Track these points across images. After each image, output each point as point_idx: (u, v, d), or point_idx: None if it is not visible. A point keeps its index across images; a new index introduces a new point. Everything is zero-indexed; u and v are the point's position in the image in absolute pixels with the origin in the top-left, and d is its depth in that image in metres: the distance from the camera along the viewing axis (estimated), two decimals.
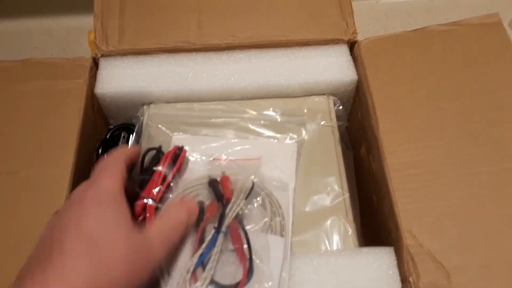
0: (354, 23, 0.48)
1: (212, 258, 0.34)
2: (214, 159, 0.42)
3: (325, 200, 0.41)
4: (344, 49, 0.48)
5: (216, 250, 0.35)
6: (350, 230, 0.39)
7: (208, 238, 0.35)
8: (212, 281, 0.34)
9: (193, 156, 0.42)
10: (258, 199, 0.39)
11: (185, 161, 0.41)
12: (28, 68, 0.46)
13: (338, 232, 0.39)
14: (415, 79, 0.43)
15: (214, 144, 0.44)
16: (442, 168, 0.39)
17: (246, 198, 0.38)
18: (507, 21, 0.66)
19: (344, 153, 0.45)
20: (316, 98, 0.47)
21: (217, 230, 0.35)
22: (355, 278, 0.35)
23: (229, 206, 0.37)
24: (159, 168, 0.38)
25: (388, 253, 0.37)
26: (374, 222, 0.44)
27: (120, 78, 0.46)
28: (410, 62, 0.44)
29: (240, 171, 0.40)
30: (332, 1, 0.49)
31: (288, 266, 0.36)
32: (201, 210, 0.37)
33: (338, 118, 0.46)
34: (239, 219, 0.37)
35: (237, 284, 0.34)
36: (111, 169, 0.33)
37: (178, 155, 0.40)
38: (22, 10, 0.73)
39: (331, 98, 0.47)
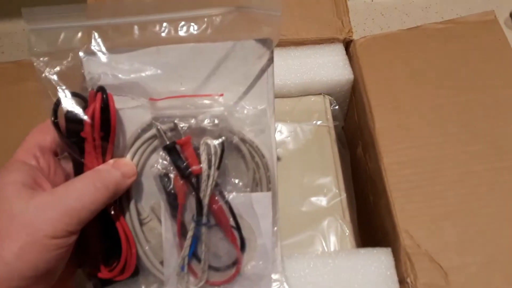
0: (349, 22, 0.48)
1: (203, 250, 0.32)
2: (151, 99, 0.32)
3: (322, 200, 0.40)
4: (339, 48, 0.47)
5: (203, 242, 0.32)
6: (347, 231, 0.39)
7: (190, 232, 0.31)
8: (209, 267, 0.33)
9: (119, 95, 0.31)
10: (233, 147, 0.32)
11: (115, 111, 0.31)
12: (23, 69, 0.46)
13: (335, 233, 0.39)
14: (412, 77, 0.43)
15: (145, 59, 0.32)
16: (439, 167, 0.38)
17: (219, 165, 0.31)
18: (503, 19, 0.66)
19: (341, 153, 0.44)
20: (312, 98, 0.46)
21: (198, 223, 0.31)
22: (353, 279, 0.35)
23: (202, 183, 0.31)
24: (88, 136, 0.29)
25: (386, 254, 0.36)
26: (371, 222, 0.44)
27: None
28: (406, 61, 0.44)
29: (199, 119, 0.31)
30: (326, 0, 0.49)
31: (278, 220, 0.33)
32: (169, 194, 0.31)
33: (334, 117, 0.46)
34: (217, 190, 0.32)
35: (234, 263, 0.33)
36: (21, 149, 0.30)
37: (106, 103, 0.30)
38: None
39: (327, 98, 0.46)
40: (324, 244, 0.38)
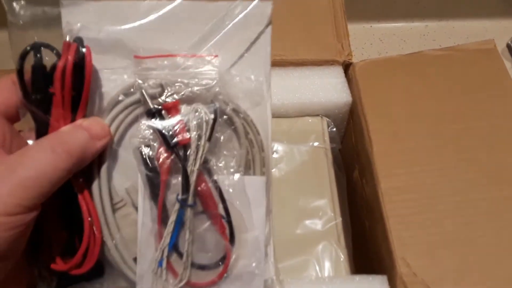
0: (349, 45, 0.48)
1: (186, 240, 0.27)
2: (136, 57, 0.28)
3: (317, 224, 0.39)
4: (339, 71, 0.47)
5: (187, 229, 0.27)
6: (342, 256, 0.38)
7: (172, 216, 0.27)
8: (192, 264, 0.28)
9: (100, 53, 0.27)
10: (225, 119, 0.28)
11: (93, 68, 0.27)
12: None
13: (330, 258, 0.37)
14: (410, 102, 0.43)
15: (134, 12, 0.28)
16: (437, 194, 0.38)
17: (210, 138, 0.27)
18: (500, 50, 0.66)
19: (337, 176, 0.44)
20: (310, 119, 0.46)
21: (183, 203, 0.27)
22: None
23: (190, 156, 0.27)
24: (57, 92, 0.25)
25: (381, 282, 0.35)
26: (366, 248, 0.43)
27: None
28: (405, 86, 0.44)
29: (190, 83, 0.28)
30: (327, 22, 0.49)
31: (270, 206, 0.30)
32: (150, 169, 0.27)
33: (332, 140, 0.45)
34: (206, 168, 0.28)
35: (221, 260, 0.28)
36: None
37: (81, 58, 0.25)
38: None
39: (325, 120, 0.46)
40: (318, 269, 0.37)
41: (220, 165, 0.28)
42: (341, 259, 0.37)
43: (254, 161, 0.29)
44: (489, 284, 0.34)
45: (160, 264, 0.27)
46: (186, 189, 0.26)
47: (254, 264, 0.29)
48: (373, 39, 0.70)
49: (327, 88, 0.46)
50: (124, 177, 0.28)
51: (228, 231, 0.28)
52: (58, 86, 0.25)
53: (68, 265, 0.26)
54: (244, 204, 0.28)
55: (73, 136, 0.25)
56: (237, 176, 0.28)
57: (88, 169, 0.27)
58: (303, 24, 0.49)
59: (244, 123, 0.29)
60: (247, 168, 0.29)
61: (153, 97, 0.27)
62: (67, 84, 0.25)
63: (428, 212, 0.37)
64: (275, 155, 0.43)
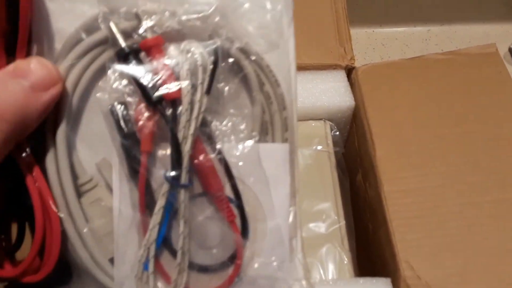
0: (352, 50, 0.48)
1: (181, 234, 0.19)
2: None
3: (321, 227, 0.40)
4: (341, 75, 0.47)
5: (182, 218, 0.20)
6: (346, 259, 0.38)
7: (160, 201, 0.19)
8: (190, 265, 0.21)
9: None
10: (229, 63, 0.20)
11: None
12: None
13: (334, 261, 0.38)
14: (413, 106, 0.43)
15: None
16: (440, 197, 0.38)
17: (209, 90, 0.19)
18: (502, 54, 0.66)
19: (340, 179, 0.44)
20: (313, 123, 0.46)
21: (173, 182, 0.19)
22: None
23: (181, 115, 0.19)
24: None
25: (385, 284, 0.35)
26: (369, 251, 0.43)
27: None
28: (408, 90, 0.44)
29: (178, 11, 0.20)
30: (330, 27, 0.49)
31: (297, 184, 0.22)
32: (127, 137, 0.19)
33: (335, 143, 0.45)
34: (205, 132, 0.20)
35: (231, 259, 0.21)
36: None
37: None
38: None
39: (328, 123, 0.46)
40: (322, 272, 0.37)
41: (225, 128, 0.21)
42: (345, 262, 0.38)
43: (273, 122, 0.22)
44: (493, 287, 0.34)
45: (146, 266, 0.20)
46: (177, 163, 0.19)
47: (275, 264, 0.22)
48: (375, 44, 0.70)
49: (330, 92, 0.46)
50: (94, 148, 0.21)
51: (240, 220, 0.21)
52: None
53: (18, 270, 0.19)
54: (260, 182, 0.21)
55: (4, 90, 0.18)
56: (249, 143, 0.21)
57: (38, 137, 0.20)
58: (305, 29, 0.49)
59: (258, 69, 0.21)
60: (263, 133, 0.22)
61: (127, 34, 0.20)
62: None
63: (431, 215, 0.37)
64: None
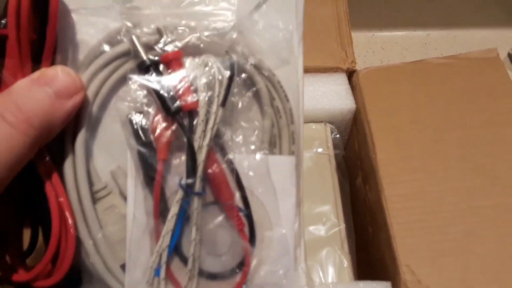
0: (353, 53, 0.48)
1: (193, 240, 0.20)
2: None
3: (321, 230, 0.39)
4: (342, 78, 0.47)
5: (194, 225, 0.20)
6: (346, 263, 0.38)
7: (173, 208, 0.20)
8: (200, 272, 0.21)
9: None
10: (243, 78, 0.21)
11: (63, 9, 0.20)
12: None
13: (333, 264, 0.37)
14: (414, 110, 0.43)
15: None
16: (441, 201, 0.38)
17: (225, 102, 0.20)
18: (502, 58, 0.67)
19: (340, 182, 0.44)
20: (313, 126, 0.46)
21: (187, 190, 0.20)
22: None
23: (197, 126, 0.20)
24: (10, 34, 0.18)
25: None
26: (369, 254, 0.43)
27: None
28: (409, 93, 0.44)
29: (198, 27, 0.21)
30: (331, 30, 0.49)
31: (301, 195, 0.23)
32: (144, 145, 0.20)
33: (335, 146, 0.45)
34: (219, 144, 0.21)
35: (239, 266, 0.21)
36: None
37: None
38: None
39: (328, 126, 0.46)
40: (321, 275, 0.37)
41: (237, 140, 0.22)
42: (345, 265, 0.37)
43: (281, 136, 0.23)
44: None
45: (157, 272, 0.20)
46: (192, 171, 0.20)
47: (281, 272, 0.22)
48: (375, 48, 0.70)
49: (331, 95, 0.46)
50: (109, 156, 0.22)
51: (248, 228, 0.21)
52: (12, 25, 0.18)
53: (32, 274, 0.20)
54: (269, 192, 0.22)
55: (31, 96, 0.18)
56: (259, 155, 0.22)
57: (57, 143, 0.20)
58: (307, 32, 0.49)
59: (269, 84, 0.22)
60: (272, 145, 0.23)
61: (148, 47, 0.21)
62: (23, 22, 0.18)
63: (432, 220, 0.37)
64: None
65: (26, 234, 0.21)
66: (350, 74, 0.48)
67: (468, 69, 0.45)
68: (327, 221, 0.40)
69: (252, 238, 0.22)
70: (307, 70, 0.47)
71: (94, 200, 0.21)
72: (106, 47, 0.21)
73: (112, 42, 0.21)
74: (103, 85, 0.21)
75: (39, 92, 0.19)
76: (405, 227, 0.37)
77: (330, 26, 0.49)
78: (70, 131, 0.21)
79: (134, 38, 0.20)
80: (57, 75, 0.19)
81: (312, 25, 0.49)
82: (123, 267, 0.21)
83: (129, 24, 0.20)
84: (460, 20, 0.70)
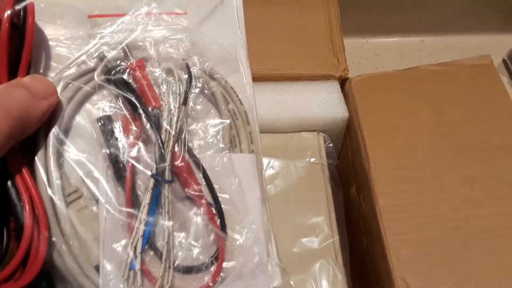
0: (345, 60, 0.47)
1: (166, 230, 0.20)
2: (91, 16, 0.24)
3: (314, 242, 0.39)
4: (335, 86, 0.47)
5: (165, 212, 0.21)
6: (340, 275, 0.37)
7: (146, 197, 0.21)
8: (175, 266, 0.21)
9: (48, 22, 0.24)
10: (198, 85, 0.24)
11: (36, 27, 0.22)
12: None
13: (327, 277, 0.37)
14: (407, 118, 0.42)
15: None
16: (436, 212, 0.37)
17: (186, 101, 0.23)
18: (496, 65, 0.66)
19: (334, 192, 0.43)
20: (306, 134, 0.45)
21: (157, 177, 0.21)
22: None
23: (163, 121, 0.22)
24: None
25: None
26: (364, 266, 0.42)
27: None
28: (402, 101, 0.44)
29: (157, 40, 0.24)
30: (323, 37, 0.49)
31: (265, 193, 0.24)
32: (116, 143, 0.21)
33: (328, 155, 0.45)
34: (182, 142, 0.23)
35: (213, 258, 0.22)
36: None
37: (24, 14, 0.22)
38: None
39: (321, 135, 0.45)
40: None
41: (201, 138, 0.24)
42: (339, 278, 0.37)
43: (239, 135, 0.24)
44: None
45: (132, 266, 0.20)
46: (161, 160, 0.21)
47: (255, 261, 0.22)
48: (369, 54, 0.69)
49: (323, 103, 0.45)
50: (80, 163, 0.23)
51: (218, 219, 0.22)
52: None
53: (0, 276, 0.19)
54: (235, 186, 0.23)
55: (9, 95, 0.20)
56: (223, 152, 0.23)
57: (29, 144, 0.22)
58: (299, 39, 0.49)
59: (223, 90, 0.25)
60: (232, 145, 0.24)
61: (116, 60, 0.24)
62: (2, 40, 0.21)
63: (427, 230, 0.36)
64: (270, 171, 0.42)
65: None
66: (343, 82, 0.47)
67: (462, 76, 0.44)
68: (321, 232, 0.39)
69: (223, 229, 0.22)
70: (299, 78, 0.47)
71: (67, 202, 0.22)
72: (78, 66, 0.24)
73: (80, 62, 0.24)
74: (75, 94, 0.23)
75: (17, 92, 0.21)
76: (400, 238, 0.36)
77: (322, 33, 0.49)
78: (42, 134, 0.23)
79: (103, 53, 0.23)
80: (32, 81, 0.22)
81: (303, 32, 0.49)
82: (96, 268, 0.21)
83: (98, 40, 0.23)
84: (454, 26, 0.70)
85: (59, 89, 0.23)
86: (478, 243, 0.36)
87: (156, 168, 0.21)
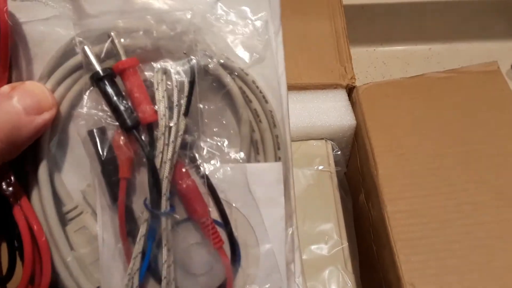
0: (352, 69, 0.48)
1: (164, 263, 0.19)
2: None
3: (323, 249, 0.39)
4: (342, 94, 0.47)
5: (164, 246, 0.19)
6: (350, 282, 0.37)
7: (141, 229, 0.18)
8: None
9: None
10: (211, 80, 0.20)
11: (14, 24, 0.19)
12: None
13: (337, 284, 0.37)
14: (415, 125, 0.43)
15: None
16: (445, 217, 0.37)
17: (187, 111, 0.18)
18: (504, 71, 0.66)
19: (343, 199, 0.43)
20: (314, 143, 0.46)
21: (152, 210, 0.18)
22: None
23: (158, 140, 0.18)
24: None
25: None
26: (373, 273, 0.42)
27: None
28: (409, 108, 0.44)
29: (153, 28, 0.19)
30: (330, 46, 0.49)
31: (293, 205, 0.21)
32: (107, 163, 0.18)
33: (336, 163, 0.45)
34: (187, 155, 0.19)
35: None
36: None
37: None
38: None
39: (329, 143, 0.46)
40: None
41: (209, 149, 0.20)
42: (348, 285, 0.37)
43: (264, 141, 0.20)
44: None
45: None
46: (156, 189, 0.18)
47: None
48: (376, 62, 0.70)
49: (331, 111, 0.46)
50: (80, 175, 0.20)
51: (229, 246, 0.20)
52: None
53: None
54: (249, 205, 0.20)
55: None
56: (235, 164, 0.20)
57: (23, 160, 0.19)
58: (306, 49, 0.49)
59: (243, 85, 0.20)
60: (255, 152, 0.21)
61: (105, 55, 0.19)
62: None
63: (436, 236, 0.36)
64: None
65: (4, 257, 0.21)
66: (350, 90, 0.48)
67: (469, 83, 0.45)
68: (330, 239, 0.39)
69: (234, 256, 0.20)
70: (306, 87, 0.47)
71: (66, 221, 0.20)
72: (61, 59, 0.20)
73: (67, 54, 0.20)
74: (62, 100, 0.20)
75: (7, 106, 0.18)
76: (409, 244, 0.36)
77: (329, 43, 0.49)
78: (38, 146, 0.20)
79: (86, 48, 0.19)
80: (25, 90, 0.19)
81: (310, 42, 0.50)
82: None
83: (80, 33, 0.19)
84: (462, 33, 0.70)
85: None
86: (487, 249, 0.35)
87: (150, 197, 0.18)
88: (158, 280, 0.19)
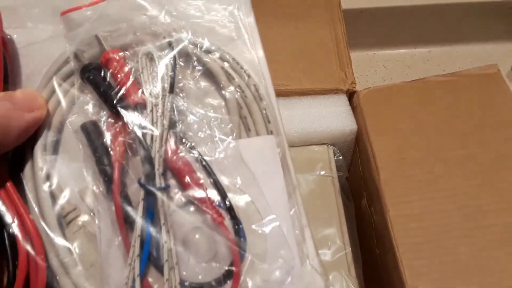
0: (352, 73, 0.48)
1: (164, 245, 0.18)
2: (64, 13, 0.21)
3: (326, 254, 0.39)
4: (343, 99, 0.47)
5: (161, 224, 0.18)
6: (353, 287, 0.37)
7: (138, 212, 0.18)
8: (183, 283, 0.18)
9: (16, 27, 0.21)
10: (192, 60, 0.20)
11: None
12: None
13: None
14: (416, 129, 0.43)
15: None
16: (448, 221, 0.37)
17: (173, 87, 0.19)
18: (505, 73, 0.66)
19: (345, 204, 0.43)
20: (316, 148, 0.46)
21: (146, 186, 0.18)
22: None
23: (146, 117, 0.19)
24: None
25: None
26: (377, 278, 0.42)
27: None
28: (410, 112, 0.44)
29: (135, 21, 0.20)
30: (330, 51, 0.50)
31: (294, 179, 0.20)
32: (102, 152, 0.18)
33: (338, 168, 0.45)
34: (176, 133, 0.19)
35: (227, 273, 0.18)
36: None
37: None
38: None
39: (331, 148, 0.46)
40: None
41: (198, 127, 0.20)
42: None
43: (252, 114, 0.20)
44: None
45: (132, 286, 0.18)
46: (149, 165, 0.18)
47: (282, 269, 0.19)
48: (377, 66, 0.70)
49: (332, 116, 0.46)
50: (76, 177, 0.21)
51: (231, 222, 0.18)
52: None
53: None
54: (247, 179, 0.19)
55: None
56: (226, 140, 0.20)
57: (17, 163, 0.20)
58: (306, 54, 0.49)
59: (222, 62, 0.21)
60: (246, 128, 0.21)
61: (94, 59, 0.21)
62: None
63: (439, 240, 0.36)
64: None
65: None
66: (351, 95, 0.48)
67: (469, 85, 0.45)
68: (333, 245, 0.39)
69: (237, 234, 0.18)
70: (307, 93, 0.47)
71: (64, 223, 0.20)
72: (61, 67, 0.21)
73: (62, 66, 0.21)
74: (58, 105, 0.21)
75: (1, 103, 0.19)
76: (412, 248, 0.36)
77: (329, 48, 0.50)
78: (29, 149, 0.21)
79: (77, 53, 0.20)
80: (17, 93, 0.20)
81: (310, 47, 0.50)
82: None
83: (71, 43, 0.20)
84: (462, 35, 0.70)
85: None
86: (491, 252, 0.35)
87: (144, 174, 0.18)
88: (159, 268, 0.18)
